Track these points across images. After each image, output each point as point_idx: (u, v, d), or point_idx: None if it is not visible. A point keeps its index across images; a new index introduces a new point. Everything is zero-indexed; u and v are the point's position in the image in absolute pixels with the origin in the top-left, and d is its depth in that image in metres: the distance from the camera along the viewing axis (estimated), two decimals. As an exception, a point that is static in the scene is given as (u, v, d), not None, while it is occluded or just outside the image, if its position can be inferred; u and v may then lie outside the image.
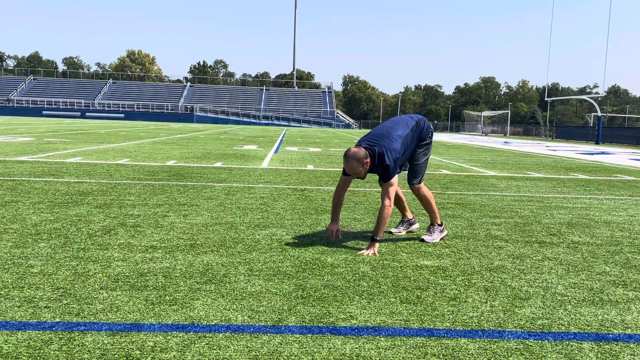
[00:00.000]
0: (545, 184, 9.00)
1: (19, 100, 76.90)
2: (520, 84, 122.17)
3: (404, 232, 4.66)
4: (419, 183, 4.39)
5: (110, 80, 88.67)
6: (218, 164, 10.37)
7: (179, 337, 2.34)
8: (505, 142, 33.03)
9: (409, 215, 4.70)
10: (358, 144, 4.08)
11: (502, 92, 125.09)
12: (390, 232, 4.64)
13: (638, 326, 2.68)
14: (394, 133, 4.13)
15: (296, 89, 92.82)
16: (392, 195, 4.01)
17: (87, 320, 2.48)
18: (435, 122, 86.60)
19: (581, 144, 33.92)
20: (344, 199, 4.29)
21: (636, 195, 7.93)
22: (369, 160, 3.97)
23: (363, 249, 3.99)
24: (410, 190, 4.49)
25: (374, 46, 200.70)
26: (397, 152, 4.04)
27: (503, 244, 4.35)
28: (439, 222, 4.43)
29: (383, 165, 3.98)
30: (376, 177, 4.53)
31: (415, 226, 4.73)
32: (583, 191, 8.11)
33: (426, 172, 4.48)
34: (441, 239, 4.41)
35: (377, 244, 3.90)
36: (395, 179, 4.04)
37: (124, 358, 2.13)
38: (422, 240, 4.32)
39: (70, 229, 4.34)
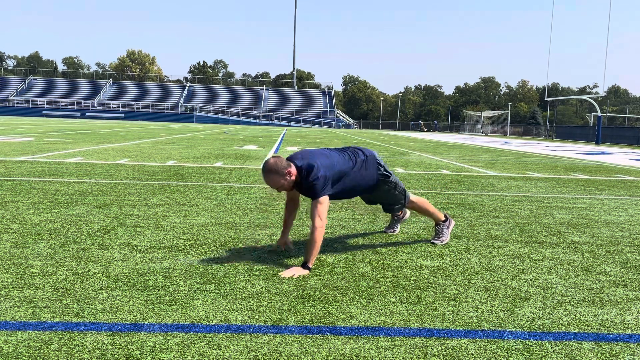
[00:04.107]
0: (545, 184, 9.00)
1: (18, 100, 76.89)
2: (520, 84, 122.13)
3: (398, 230, 4.65)
4: (404, 206, 4.22)
5: (110, 80, 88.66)
6: (218, 164, 10.37)
7: (179, 337, 2.34)
8: (505, 142, 33.03)
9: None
10: (287, 158, 3.68)
11: (502, 92, 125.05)
12: (385, 232, 4.63)
13: (638, 326, 2.68)
14: (335, 156, 3.77)
15: (296, 89, 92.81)
16: (324, 215, 3.52)
17: (87, 320, 2.48)
18: (435, 122, 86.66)
19: (581, 144, 33.92)
20: (295, 215, 3.94)
21: (636, 195, 7.93)
22: (292, 169, 3.54)
23: (362, 249, 3.99)
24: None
25: (374, 46, 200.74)
26: (332, 174, 3.62)
27: (503, 244, 4.34)
28: (443, 218, 4.37)
29: (312, 179, 3.53)
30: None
31: (407, 215, 4.67)
32: (583, 191, 8.11)
33: (406, 191, 4.19)
34: (450, 232, 4.41)
35: (306, 272, 3.34)
36: (325, 199, 3.56)
37: (124, 358, 2.13)
38: (433, 244, 4.27)
39: (70, 229, 4.34)
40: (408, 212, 4.69)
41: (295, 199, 3.90)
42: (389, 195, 4.09)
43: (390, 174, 4.04)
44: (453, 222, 4.45)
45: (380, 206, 4.36)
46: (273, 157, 3.61)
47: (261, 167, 3.58)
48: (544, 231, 4.93)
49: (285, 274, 3.28)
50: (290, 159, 3.67)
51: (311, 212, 3.55)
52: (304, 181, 3.58)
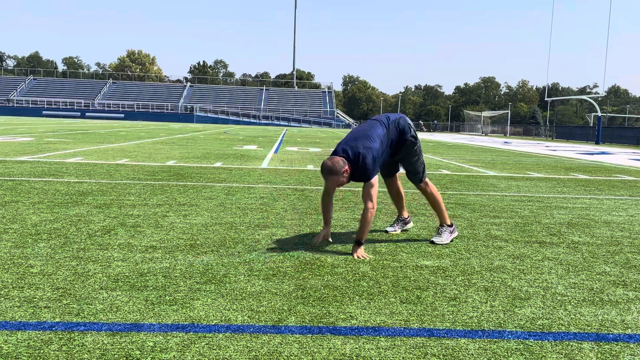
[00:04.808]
0: (545, 184, 9.00)
1: (19, 100, 76.86)
2: (520, 84, 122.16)
3: (399, 231, 4.67)
4: (420, 182, 4.37)
5: (110, 80, 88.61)
6: (218, 164, 10.37)
7: (179, 337, 2.34)
8: (505, 142, 33.02)
9: (405, 214, 4.71)
10: (335, 151, 3.95)
11: (502, 92, 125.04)
12: (386, 231, 4.65)
13: (638, 326, 2.68)
14: (371, 133, 4.00)
15: (296, 89, 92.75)
16: (375, 197, 3.88)
17: (87, 320, 2.48)
18: (435, 122, 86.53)
19: (581, 144, 33.91)
20: (333, 201, 4.16)
21: (636, 195, 7.93)
22: (347, 167, 3.83)
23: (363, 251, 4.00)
24: (407, 190, 4.48)
25: (374, 46, 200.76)
26: (376, 151, 3.91)
27: (503, 244, 4.34)
28: (449, 223, 4.39)
29: (362, 166, 3.85)
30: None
31: (409, 225, 4.76)
32: (583, 191, 8.11)
33: (426, 171, 4.43)
34: (451, 240, 4.36)
35: (361, 247, 3.83)
36: (375, 179, 3.91)
37: (124, 358, 2.13)
38: (432, 242, 4.27)
39: (70, 229, 4.34)
40: (411, 222, 4.79)
41: (331, 195, 4.07)
42: (412, 162, 4.31)
43: (418, 140, 4.29)
44: (457, 233, 4.48)
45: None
46: (328, 158, 3.87)
47: (320, 169, 3.94)
48: (544, 231, 4.93)
49: (355, 255, 3.74)
50: (339, 150, 3.91)
51: (363, 194, 3.90)
52: (355, 169, 3.87)
